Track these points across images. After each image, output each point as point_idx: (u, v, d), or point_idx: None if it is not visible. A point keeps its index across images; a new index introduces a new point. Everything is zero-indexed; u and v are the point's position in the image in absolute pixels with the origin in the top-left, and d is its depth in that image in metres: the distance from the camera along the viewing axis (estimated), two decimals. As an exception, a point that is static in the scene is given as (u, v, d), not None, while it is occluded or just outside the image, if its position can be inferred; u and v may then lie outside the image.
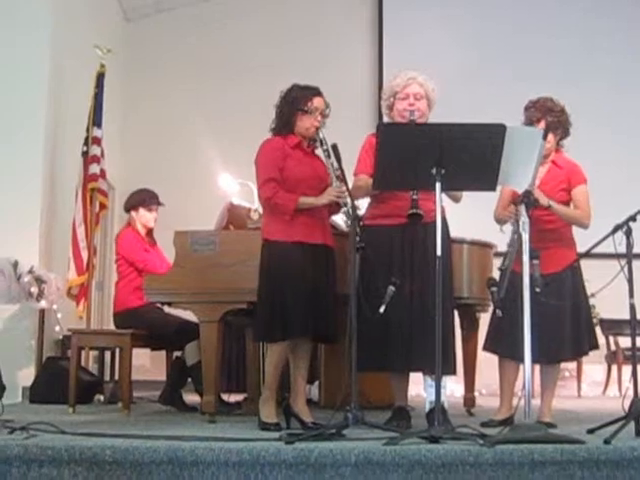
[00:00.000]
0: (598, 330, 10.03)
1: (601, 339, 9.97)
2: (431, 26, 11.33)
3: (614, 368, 10.17)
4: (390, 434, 4.13)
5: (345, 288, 4.69)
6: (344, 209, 4.81)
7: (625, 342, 10.01)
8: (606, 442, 3.90)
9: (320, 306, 4.89)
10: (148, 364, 9.20)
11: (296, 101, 5.06)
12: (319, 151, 5.08)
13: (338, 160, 4.69)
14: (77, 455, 3.68)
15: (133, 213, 7.18)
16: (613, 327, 9.87)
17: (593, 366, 10.38)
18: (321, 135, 5.02)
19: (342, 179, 4.89)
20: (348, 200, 4.79)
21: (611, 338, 10.20)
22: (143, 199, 7.19)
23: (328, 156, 4.94)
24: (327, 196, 4.96)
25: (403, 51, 11.00)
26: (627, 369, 10.17)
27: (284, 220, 4.93)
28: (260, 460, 3.65)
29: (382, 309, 4.51)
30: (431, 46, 11.08)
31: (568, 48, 11.31)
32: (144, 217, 7.15)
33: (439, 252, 4.22)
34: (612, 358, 10.18)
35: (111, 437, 4.08)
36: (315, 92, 5.12)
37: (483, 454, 3.70)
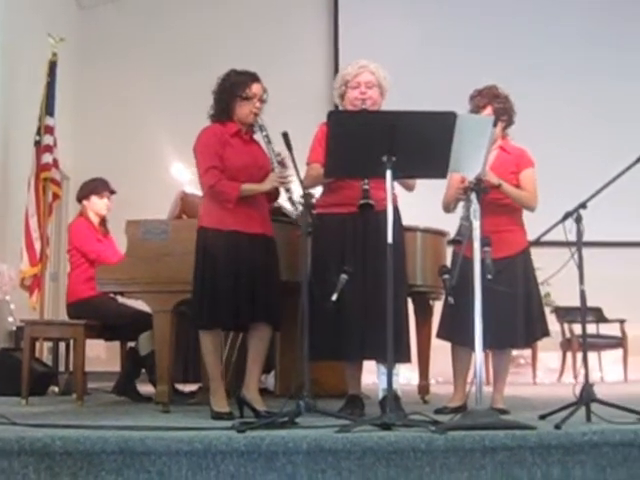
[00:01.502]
0: (553, 318, 10.16)
1: (556, 326, 10.15)
2: (387, 14, 11.40)
3: (569, 355, 10.27)
4: (343, 422, 4.12)
5: (297, 276, 4.68)
6: (288, 195, 4.81)
7: (580, 329, 10.09)
8: (557, 427, 3.93)
9: (259, 295, 4.88)
10: (104, 355, 9.15)
11: (234, 87, 5.02)
12: (259, 137, 5.07)
13: (289, 148, 4.65)
14: (27, 446, 3.63)
15: (85, 202, 7.15)
16: (568, 314, 9.98)
17: (548, 353, 10.49)
18: (260, 121, 5.01)
19: (284, 164, 4.90)
20: (292, 186, 4.79)
21: (566, 325, 10.31)
22: (94, 187, 7.16)
23: (268, 142, 4.95)
24: (270, 182, 4.96)
25: (359, 40, 11.05)
26: (581, 356, 10.28)
27: (223, 208, 4.91)
28: (211, 449, 3.63)
29: (334, 297, 4.51)
30: (387, 34, 11.17)
31: (526, 35, 11.47)
32: (96, 205, 7.12)
33: (390, 240, 4.20)
34: (567, 345, 10.29)
35: (62, 428, 4.05)
36: (253, 77, 5.08)
37: (435, 441, 3.70)
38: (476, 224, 4.28)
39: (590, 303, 9.80)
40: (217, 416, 4.79)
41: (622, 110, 11.48)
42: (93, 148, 10.60)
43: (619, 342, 10.51)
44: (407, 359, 5.08)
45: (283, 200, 5.29)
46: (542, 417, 4.53)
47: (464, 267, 4.46)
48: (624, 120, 11.44)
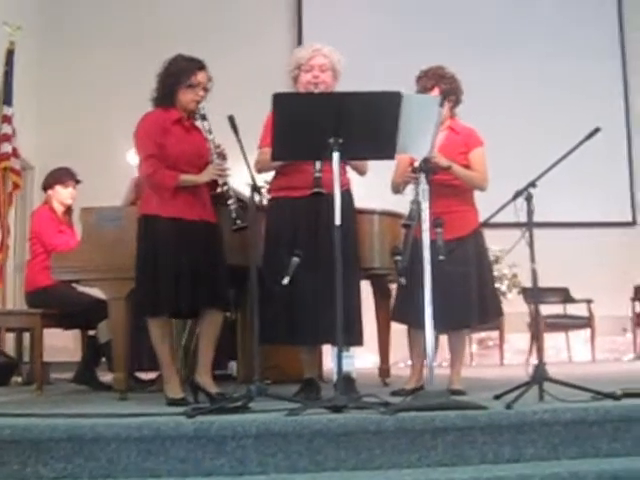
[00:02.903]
0: (521, 299, 10.20)
1: (524, 307, 10.19)
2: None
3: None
4: (296, 405, 4.11)
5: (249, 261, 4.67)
6: (225, 188, 4.81)
7: (547, 310, 10.17)
8: (508, 407, 3.93)
9: (202, 280, 4.85)
10: (71, 345, 9.09)
11: (180, 73, 4.98)
12: (200, 125, 5.04)
13: (236, 132, 4.60)
14: (-25, 436, 3.62)
15: (50, 191, 7.14)
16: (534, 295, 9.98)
17: (517, 335, 10.55)
18: (202, 110, 4.97)
19: (224, 156, 4.90)
20: (228, 179, 4.81)
21: (532, 306, 10.34)
22: (59, 176, 7.16)
23: (209, 132, 4.93)
24: (207, 174, 4.95)
25: (323, 25, 11.12)
26: (549, 336, 10.35)
27: (162, 196, 4.89)
28: (160, 435, 3.62)
29: (286, 281, 4.49)
30: (351, 18, 11.26)
31: (487, 17, 11.52)
32: (61, 194, 7.11)
33: (338, 222, 4.16)
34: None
35: (11, 417, 4.02)
36: (199, 65, 5.04)
37: (384, 422, 3.70)
38: (425, 205, 4.27)
39: (557, 284, 9.89)
40: (171, 402, 4.77)
41: (573, 88, 11.58)
42: (56, 136, 10.54)
43: (586, 322, 10.60)
44: (359, 342, 5.05)
45: (240, 185, 5.27)
46: (497, 397, 4.53)
47: (416, 248, 4.43)
48: (575, 98, 11.52)
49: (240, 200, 5.27)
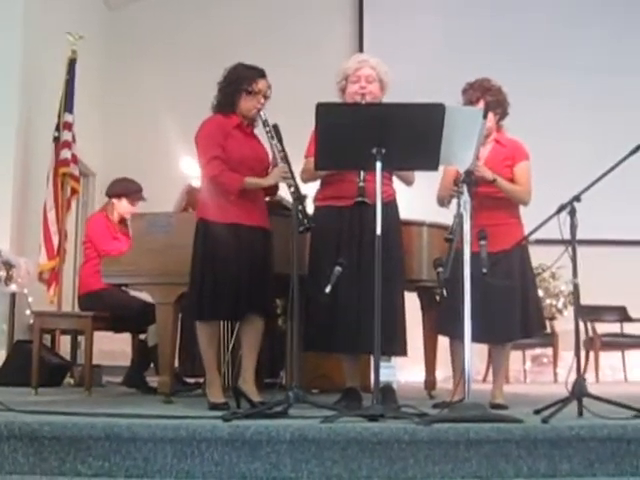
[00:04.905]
0: (575, 316, 10.06)
1: (579, 325, 10.04)
2: (411, 10, 11.43)
3: (592, 354, 10.18)
4: (332, 412, 4.13)
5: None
6: (292, 190, 4.81)
7: (603, 328, 10.05)
8: (544, 421, 3.91)
9: (256, 287, 4.90)
10: (127, 349, 9.20)
11: (241, 81, 5.05)
12: (259, 132, 5.08)
13: (280, 141, 4.67)
14: (16, 431, 3.67)
15: (115, 200, 7.18)
16: (590, 313, 9.85)
17: (571, 352, 10.36)
18: (264, 116, 5.01)
19: (287, 160, 4.91)
20: (293, 182, 4.80)
21: (588, 324, 10.21)
22: (130, 191, 7.21)
23: (272, 137, 4.95)
24: (274, 177, 4.97)
25: (384, 37, 11.12)
26: (605, 355, 10.21)
27: (221, 201, 4.93)
28: (196, 437, 3.65)
29: (328, 289, 4.50)
30: (412, 30, 11.24)
31: (547, 30, 11.46)
32: (124, 208, 7.16)
33: (379, 231, 4.18)
34: (590, 344, 10.17)
35: (52, 414, 4.12)
36: (260, 73, 5.11)
37: (419, 432, 3.69)
38: (466, 216, 4.27)
39: (614, 302, 9.73)
40: (213, 407, 4.81)
41: (621, 103, 11.41)
42: (119, 145, 10.75)
43: (644, 342, 10.41)
44: (402, 352, 5.02)
45: (286, 193, 5.31)
46: (537, 412, 4.50)
47: (459, 261, 4.43)
48: (625, 113, 11.31)
49: (284, 207, 5.34)
